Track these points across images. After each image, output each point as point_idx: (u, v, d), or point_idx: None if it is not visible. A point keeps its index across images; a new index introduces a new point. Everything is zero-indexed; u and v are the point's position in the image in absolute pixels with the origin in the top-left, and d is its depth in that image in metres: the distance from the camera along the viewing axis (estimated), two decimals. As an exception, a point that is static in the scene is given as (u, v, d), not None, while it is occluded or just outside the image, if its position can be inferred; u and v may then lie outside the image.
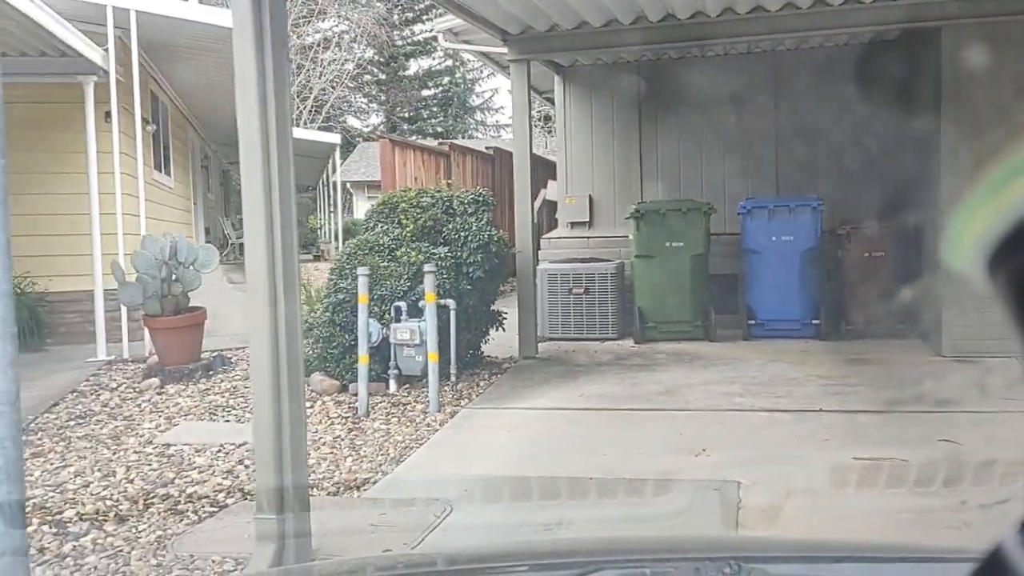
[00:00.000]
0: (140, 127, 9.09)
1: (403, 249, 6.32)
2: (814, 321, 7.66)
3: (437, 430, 5.19)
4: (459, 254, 6.35)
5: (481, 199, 6.70)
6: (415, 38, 40.31)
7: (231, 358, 7.46)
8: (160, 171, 11.42)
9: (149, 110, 9.81)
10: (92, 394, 6.46)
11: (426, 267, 5.73)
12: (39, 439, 5.25)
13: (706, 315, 7.79)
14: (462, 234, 6.42)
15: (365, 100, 44.35)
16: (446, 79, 43.47)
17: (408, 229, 6.46)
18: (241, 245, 18.51)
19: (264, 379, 3.15)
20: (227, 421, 5.60)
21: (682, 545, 1.80)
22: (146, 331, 8.39)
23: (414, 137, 43.05)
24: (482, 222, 6.53)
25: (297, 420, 3.21)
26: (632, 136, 9.15)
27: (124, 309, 7.40)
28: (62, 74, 8.20)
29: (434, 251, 6.29)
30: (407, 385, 6.13)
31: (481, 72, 41.98)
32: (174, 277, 6.61)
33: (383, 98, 44.87)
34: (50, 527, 3.67)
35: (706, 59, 8.89)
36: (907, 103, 7.25)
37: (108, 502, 4.01)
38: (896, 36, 7.78)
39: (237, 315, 9.35)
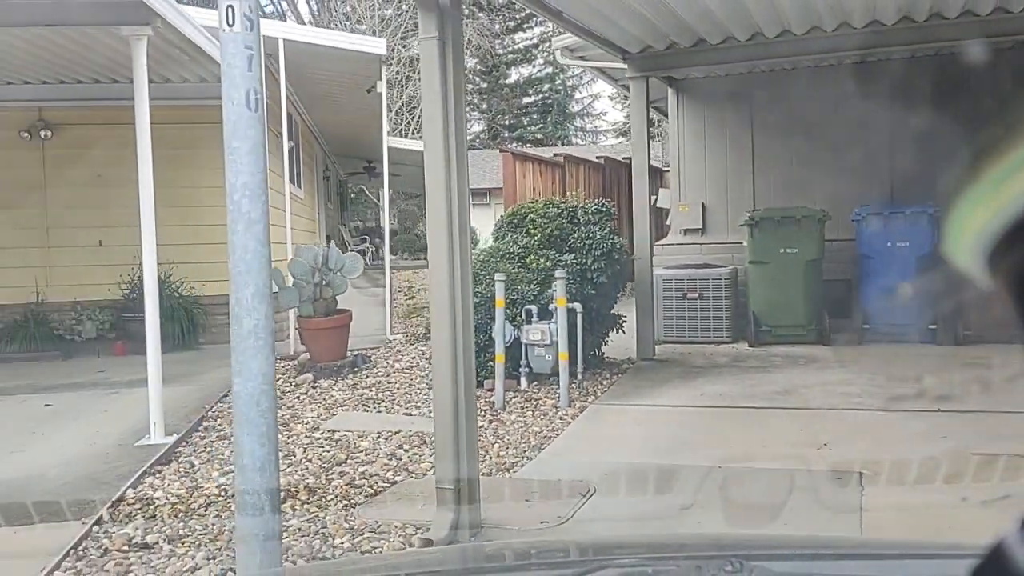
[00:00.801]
0: (284, 144, 9.94)
1: (532, 256, 6.83)
2: (930, 326, 7.78)
3: (570, 423, 5.66)
4: (584, 261, 6.81)
5: (604, 209, 7.14)
6: (516, 47, 41.06)
7: (370, 356, 8.13)
8: (293, 184, 12.31)
9: (286, 128, 10.67)
10: (254, 387, 7.19)
11: (557, 273, 6.22)
12: (219, 424, 5.98)
13: (820, 319, 8.01)
14: (587, 242, 6.88)
15: (467, 109, 45.37)
16: (546, 86, 43.98)
17: (536, 238, 6.96)
18: (360, 252, 19.50)
19: (445, 368, 3.67)
20: (379, 412, 6.22)
21: (684, 543, 1.84)
22: (291, 331, 9.20)
23: (514, 144, 43.81)
24: (605, 231, 6.97)
25: (471, 403, 3.73)
26: (744, 145, 9.42)
27: (276, 311, 8.17)
28: (217, 97, 9.06)
29: (560, 258, 6.77)
30: (535, 382, 6.62)
31: (580, 79, 42.40)
32: (325, 282, 7.30)
33: (484, 106, 45.83)
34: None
35: (819, 68, 9.08)
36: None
37: (295, 476, 4.64)
38: (1012, 45, 7.83)
39: (364, 317, 10.09)
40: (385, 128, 11.03)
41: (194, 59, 7.58)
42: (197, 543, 3.69)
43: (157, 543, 3.70)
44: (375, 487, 4.46)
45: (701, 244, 9.43)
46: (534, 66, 43.73)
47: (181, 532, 3.83)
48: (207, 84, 9.04)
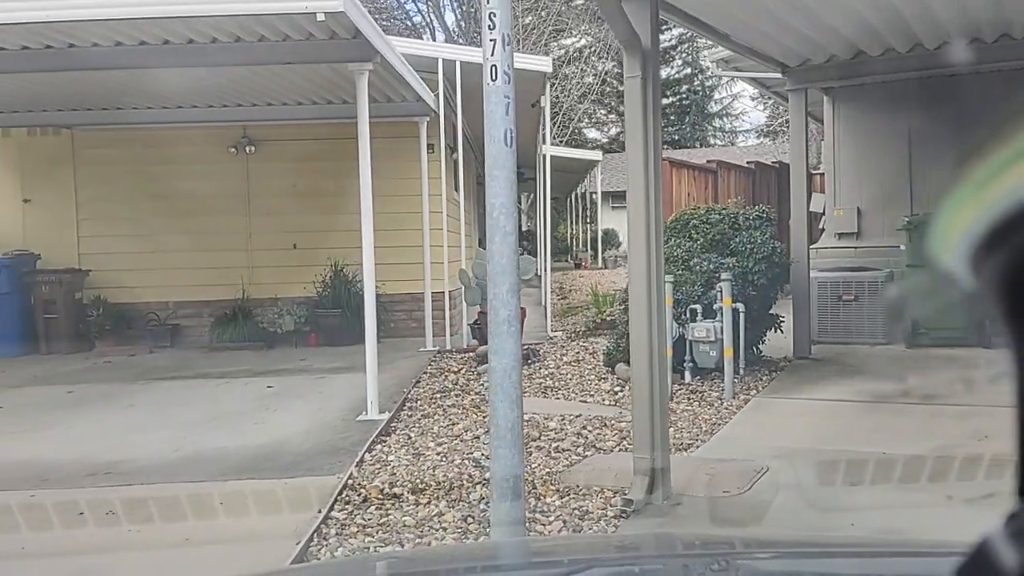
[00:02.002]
0: (459, 156, 10.87)
1: (695, 259, 7.37)
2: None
3: (735, 413, 6.19)
4: (745, 264, 7.29)
5: (764, 215, 7.60)
6: (654, 49, 41.10)
7: (538, 350, 8.88)
8: (456, 191, 13.27)
9: (450, 140, 11.61)
10: (440, 375, 8.08)
11: (723, 275, 6.74)
12: (420, 405, 6.85)
13: (980, 322, 8.13)
14: (748, 246, 7.36)
15: (604, 112, 45.87)
16: (684, 87, 43.86)
17: (699, 242, 7.50)
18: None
19: (643, 357, 4.31)
20: (557, 399, 6.93)
21: (671, 542, 1.83)
22: (464, 326, 10.08)
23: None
24: (766, 235, 7.43)
25: (664, 387, 4.36)
26: (901, 150, 9.57)
27: (464, 307, 9.05)
28: (404, 115, 10.04)
29: (723, 261, 7.27)
30: (698, 376, 7.16)
31: (720, 79, 42.06)
32: (503, 282, 8.09)
33: (621, 109, 46.06)
34: (472, 463, 5.09)
35: (980, 75, 9.14)
36: None
37: (499, 449, 5.39)
38: None
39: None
40: (548, 139, 11.73)
41: (388, 84, 8.54)
42: (436, 496, 4.48)
43: (403, 495, 4.51)
44: (569, 460, 5.16)
45: (856, 248, 9.66)
46: (672, 67, 43.65)
47: (419, 487, 4.63)
48: (392, 104, 10.06)
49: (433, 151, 10.61)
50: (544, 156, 13.01)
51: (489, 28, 3.42)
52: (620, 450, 5.32)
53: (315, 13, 5.48)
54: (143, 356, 9.93)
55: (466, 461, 5.07)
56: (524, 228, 31.39)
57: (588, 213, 25.64)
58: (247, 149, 10.94)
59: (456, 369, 8.28)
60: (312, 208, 11.01)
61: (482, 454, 5.22)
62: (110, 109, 9.91)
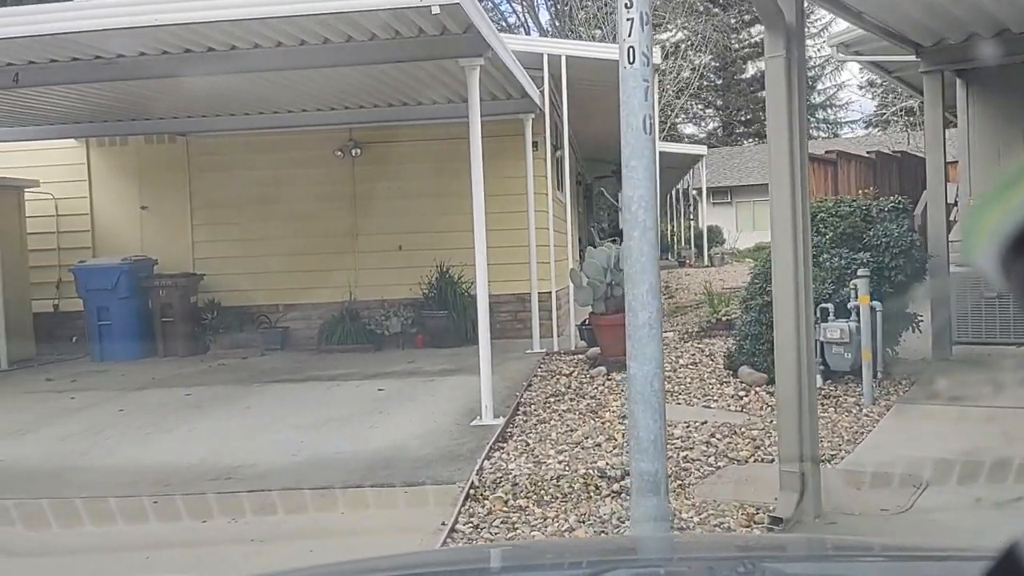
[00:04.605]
0: (565, 153, 10.62)
1: (825, 255, 6.89)
2: None
3: (878, 420, 5.72)
4: (881, 259, 6.78)
5: (900, 206, 7.06)
6: (752, 39, 40.01)
7: (652, 352, 8.53)
8: (558, 189, 13.02)
9: (554, 137, 11.36)
10: (551, 378, 7.84)
11: (860, 271, 6.27)
12: (533, 410, 6.63)
13: None
14: (883, 240, 6.84)
15: (701, 106, 44.86)
16: (784, 79, 42.21)
17: (828, 236, 7.02)
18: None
19: (790, 360, 3.96)
20: (678, 404, 6.59)
21: (696, 545, 1.81)
22: (571, 327, 9.82)
23: (751, 141, 42.67)
24: (903, 228, 6.90)
25: (812, 393, 4.00)
26: (1046, 135, 8.81)
27: (572, 307, 8.80)
28: (510, 113, 9.85)
29: (855, 257, 6.78)
30: (830, 380, 6.69)
31: (823, 69, 40.53)
32: (615, 282, 7.79)
33: (720, 103, 45.03)
34: (597, 473, 4.83)
35: None
36: None
37: (623, 458, 5.10)
38: None
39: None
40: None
41: (495, 80, 8.36)
42: (563, 509, 4.24)
43: (528, 507, 4.29)
44: (700, 471, 4.83)
45: (996, 240, 8.93)
46: (772, 58, 41.97)
47: (544, 498, 4.39)
48: (497, 101, 9.88)
49: (537, 149, 10.40)
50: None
51: (626, 7, 3.16)
52: (756, 461, 4.97)
53: (430, 6, 5.32)
54: (255, 358, 10.05)
55: (591, 471, 4.81)
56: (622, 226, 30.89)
57: (689, 210, 25.03)
58: (353, 152, 10.97)
59: (567, 372, 8.03)
60: (416, 209, 10.96)
61: (607, 463, 4.95)
62: (223, 115, 10.08)
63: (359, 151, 10.99)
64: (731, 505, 4.23)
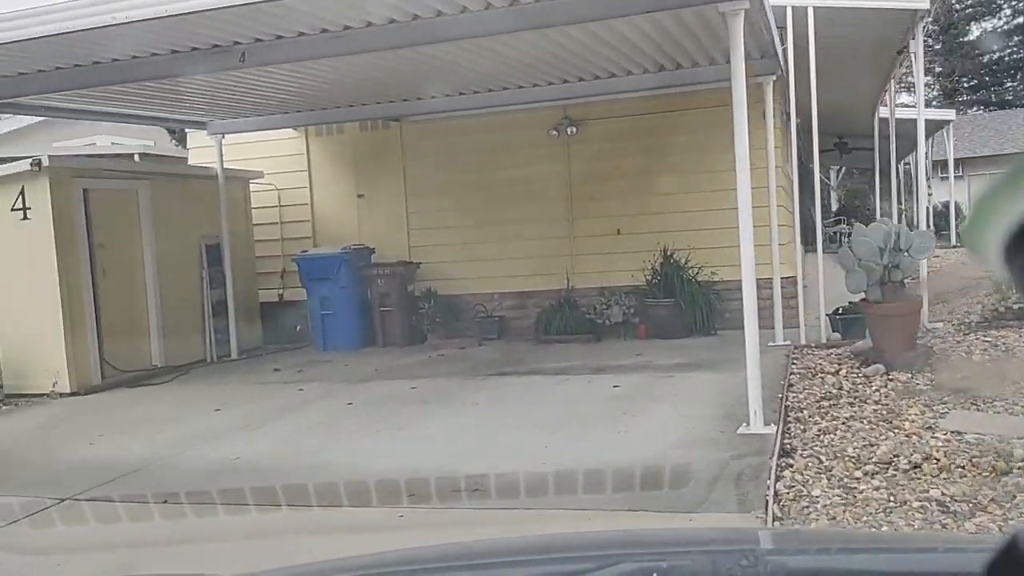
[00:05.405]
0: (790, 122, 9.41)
1: None
2: None
3: None
4: None
5: None
6: (978, -1, 36.12)
7: (930, 347, 7.25)
8: (787, 162, 11.73)
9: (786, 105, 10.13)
10: (813, 377, 6.77)
11: None
12: (806, 416, 5.63)
13: None
14: None
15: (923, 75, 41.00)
16: (1015, 39, 38.10)
17: None
18: (834, 235, 18.36)
19: None
20: (996, 412, 5.37)
21: (700, 537, 1.80)
22: (820, 314, 8.61)
23: (975, 110, 38.45)
24: None
25: None
26: None
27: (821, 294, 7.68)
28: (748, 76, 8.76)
29: None
30: None
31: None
32: (894, 264, 6.61)
33: (938, 69, 40.90)
34: (939, 508, 3.81)
35: None
36: None
37: (966, 487, 4.04)
38: None
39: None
40: (922, 98, 9.80)
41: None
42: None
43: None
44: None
45: None
46: (999, 18, 38.19)
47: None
48: (723, 67, 8.84)
49: (773, 117, 9.27)
50: (890, 119, 11.11)
51: None
52: None
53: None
54: (472, 349, 9.64)
55: (926, 504, 3.79)
56: (836, 205, 28.53)
57: (914, 185, 22.52)
58: (568, 131, 10.30)
59: (831, 370, 6.91)
60: (635, 189, 10.14)
61: (943, 493, 3.92)
62: (436, 97, 9.68)
63: (574, 129, 10.31)
64: None
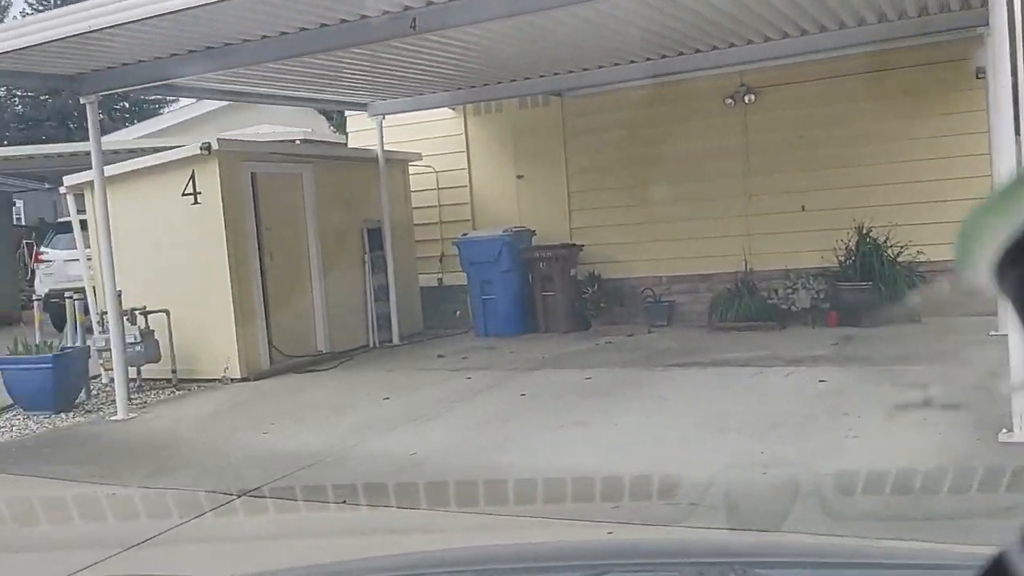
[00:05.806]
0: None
1: None
2: None
3: None
4: None
5: None
6: None
7: None
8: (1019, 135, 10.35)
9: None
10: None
11: None
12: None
13: None
14: None
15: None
16: None
17: None
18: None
19: None
20: None
21: (687, 548, 1.87)
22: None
23: None
24: None
25: None
26: None
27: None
28: (960, 28, 7.68)
29: None
30: None
31: None
32: None
33: None
34: None
35: None
36: None
37: None
38: None
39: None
40: None
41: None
42: None
43: None
44: None
45: None
46: None
47: None
48: (940, 15, 7.76)
49: (981, 76, 8.10)
50: None
51: None
52: None
53: None
54: (641, 336, 9.01)
55: None
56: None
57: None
58: (745, 99, 9.46)
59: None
60: (823, 162, 9.18)
61: None
62: (601, 67, 9.03)
63: (752, 97, 9.45)
64: None
